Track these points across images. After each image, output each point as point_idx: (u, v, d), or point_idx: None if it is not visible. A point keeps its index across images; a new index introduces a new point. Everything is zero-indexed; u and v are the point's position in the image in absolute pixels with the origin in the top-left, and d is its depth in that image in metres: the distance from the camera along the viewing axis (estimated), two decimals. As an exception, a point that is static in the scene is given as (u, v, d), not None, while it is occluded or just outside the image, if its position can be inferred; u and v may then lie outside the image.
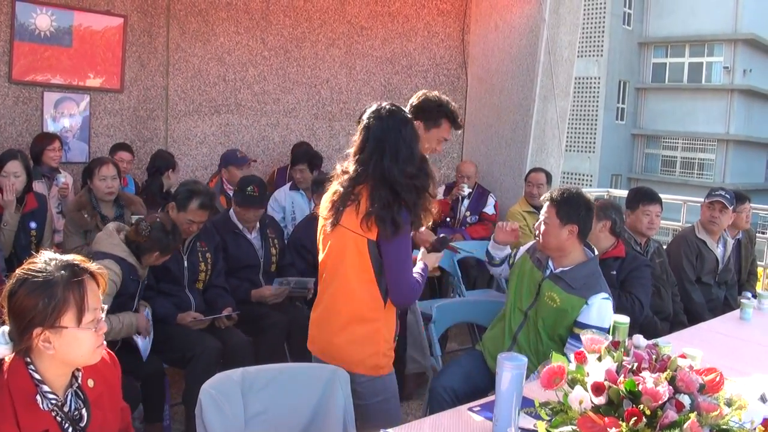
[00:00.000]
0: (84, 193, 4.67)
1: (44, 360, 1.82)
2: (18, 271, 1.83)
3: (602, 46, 27.76)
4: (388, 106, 2.82)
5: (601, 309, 3.12)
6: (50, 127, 5.92)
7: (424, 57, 7.48)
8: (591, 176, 27.39)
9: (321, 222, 2.88)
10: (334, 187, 2.82)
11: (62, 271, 1.81)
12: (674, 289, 4.46)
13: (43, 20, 5.78)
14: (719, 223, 4.77)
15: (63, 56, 5.94)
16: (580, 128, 28.38)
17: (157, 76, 6.40)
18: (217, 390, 2.38)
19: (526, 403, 2.23)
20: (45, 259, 1.84)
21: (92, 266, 1.88)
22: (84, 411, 1.91)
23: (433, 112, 3.45)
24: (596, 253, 3.40)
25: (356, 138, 2.82)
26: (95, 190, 4.60)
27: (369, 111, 2.84)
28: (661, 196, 4.56)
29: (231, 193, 5.60)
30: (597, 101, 28.11)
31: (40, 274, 1.79)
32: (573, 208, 3.26)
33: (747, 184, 26.60)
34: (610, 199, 4.41)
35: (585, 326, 3.05)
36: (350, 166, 2.80)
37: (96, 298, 1.86)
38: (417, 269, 2.87)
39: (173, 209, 3.98)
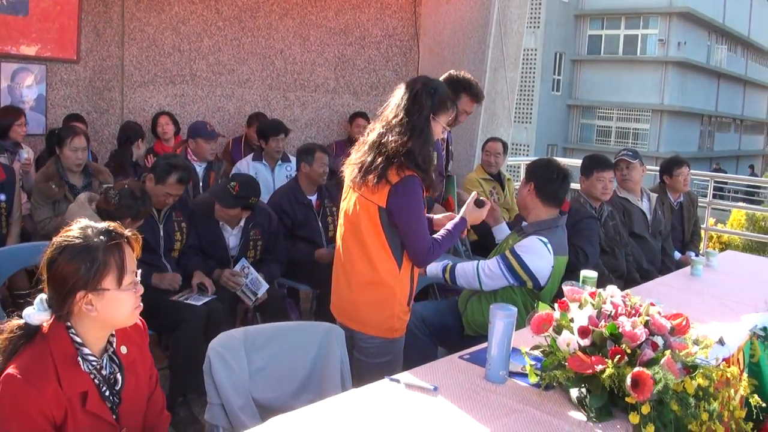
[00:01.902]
0: (51, 163, 4.66)
1: (85, 323, 1.90)
2: (55, 239, 1.89)
3: (539, 17, 28.12)
4: (433, 85, 2.93)
5: (530, 243, 3.42)
6: (6, 98, 5.85)
7: (377, 28, 7.56)
8: (528, 146, 27.85)
9: (345, 186, 3.04)
10: (360, 155, 2.92)
11: (101, 237, 1.88)
12: (627, 249, 4.69)
13: (-2, -12, 5.69)
14: (631, 177, 5.04)
15: (19, 25, 5.84)
16: (517, 99, 28.70)
17: (112, 46, 6.35)
18: (223, 347, 2.50)
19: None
20: (81, 226, 1.91)
21: (127, 231, 1.96)
22: (119, 375, 1.99)
23: (453, 88, 3.82)
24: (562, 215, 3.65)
25: (392, 109, 2.90)
26: (64, 160, 4.59)
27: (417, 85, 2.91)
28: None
29: (197, 164, 5.65)
30: (533, 73, 28.52)
31: (79, 240, 1.86)
32: (531, 168, 3.64)
33: (681, 153, 27.34)
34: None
35: (512, 251, 3.42)
36: (378, 136, 2.88)
37: (133, 261, 1.94)
38: (441, 232, 3.00)
39: (151, 180, 4.02)
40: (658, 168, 5.77)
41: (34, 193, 4.60)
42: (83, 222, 1.94)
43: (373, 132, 2.88)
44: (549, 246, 3.41)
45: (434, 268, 3.59)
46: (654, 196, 5.17)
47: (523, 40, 6.99)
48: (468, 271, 3.50)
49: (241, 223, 4.44)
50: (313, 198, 4.96)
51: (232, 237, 4.47)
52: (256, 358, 2.60)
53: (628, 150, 5.20)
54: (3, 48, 5.80)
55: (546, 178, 3.53)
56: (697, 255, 5.16)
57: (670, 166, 5.49)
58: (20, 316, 1.91)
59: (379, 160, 2.79)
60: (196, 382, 3.67)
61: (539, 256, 3.40)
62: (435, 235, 2.94)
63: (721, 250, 8.00)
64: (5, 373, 1.79)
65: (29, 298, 1.92)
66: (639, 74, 29.83)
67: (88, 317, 1.88)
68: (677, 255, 5.33)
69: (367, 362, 2.93)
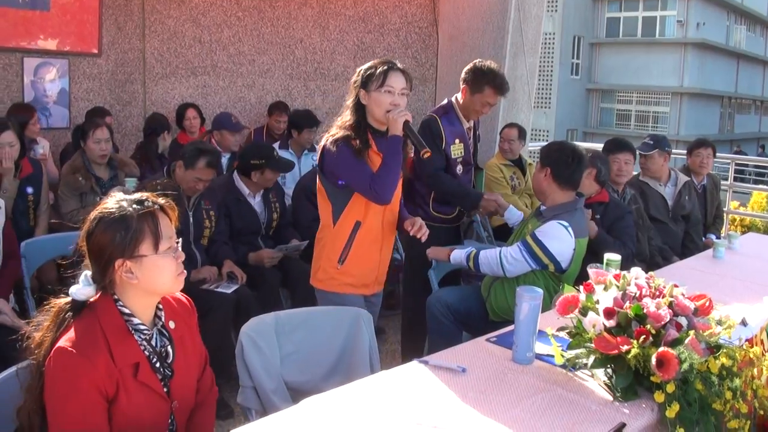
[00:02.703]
0: (78, 156, 4.76)
1: (130, 293, 1.94)
2: (92, 213, 1.94)
3: (557, 1, 27.98)
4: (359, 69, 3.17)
5: (551, 227, 3.45)
6: (30, 93, 5.94)
7: (395, 15, 7.58)
8: (547, 131, 27.76)
9: None
10: None
11: (134, 206, 1.93)
12: (650, 232, 4.70)
13: (20, -17, 5.75)
14: (648, 167, 5.05)
15: (41, 20, 5.94)
16: (536, 84, 28.56)
17: (134, 39, 6.44)
18: (255, 332, 2.56)
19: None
20: (116, 199, 1.96)
21: (161, 200, 2.01)
22: (169, 348, 2.04)
23: (477, 79, 4.09)
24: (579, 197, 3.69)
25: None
26: (89, 153, 4.69)
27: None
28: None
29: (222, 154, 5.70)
30: (552, 57, 28.39)
31: (113, 211, 1.91)
32: (546, 152, 3.63)
33: (701, 136, 27.15)
34: (598, 150, 4.60)
35: (533, 236, 3.45)
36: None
37: (169, 228, 1.98)
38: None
39: (181, 167, 4.09)
40: (681, 152, 5.77)
41: (61, 185, 4.68)
42: (118, 195, 1.99)
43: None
44: (569, 229, 3.43)
45: (458, 255, 3.65)
46: (683, 180, 5.16)
47: (542, 25, 6.98)
48: (491, 258, 3.53)
49: (261, 190, 4.77)
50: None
51: (257, 204, 4.74)
52: (287, 342, 2.66)
53: (649, 138, 5.19)
54: (25, 43, 5.90)
55: (561, 161, 3.54)
56: (718, 237, 5.16)
57: (691, 147, 5.49)
58: (66, 294, 1.95)
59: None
60: (225, 369, 3.77)
61: (560, 240, 3.42)
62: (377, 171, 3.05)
63: (743, 232, 7.96)
64: (56, 347, 1.83)
65: (62, 287, 1.98)
66: (658, 56, 29.62)
67: (131, 286, 1.93)
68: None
69: None
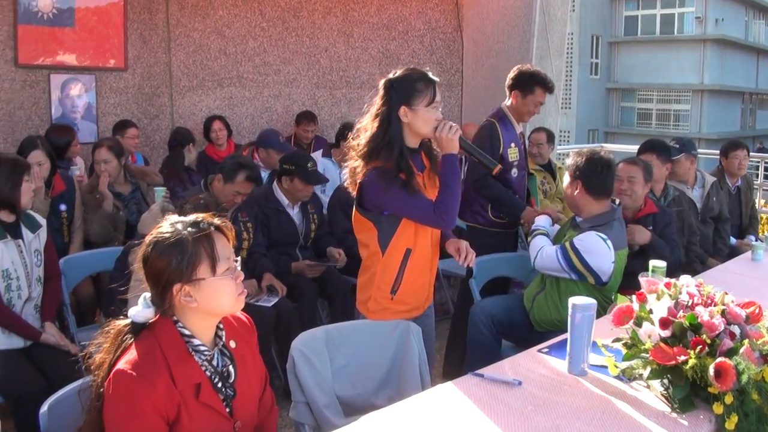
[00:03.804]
0: (94, 176, 4.75)
1: (189, 315, 1.94)
2: (147, 237, 1.94)
3: (574, 1, 27.86)
4: (393, 79, 2.89)
5: (588, 238, 3.42)
6: (58, 109, 5.98)
7: (419, 22, 7.58)
8: (569, 132, 27.62)
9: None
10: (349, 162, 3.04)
11: (189, 228, 1.92)
12: (692, 237, 4.62)
13: (45, 2, 5.80)
14: (677, 171, 4.96)
15: (67, 37, 5.98)
16: (556, 85, 28.47)
17: (159, 53, 6.46)
18: (306, 347, 2.56)
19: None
20: (170, 222, 1.96)
21: (216, 221, 1.99)
22: (231, 368, 2.02)
23: (526, 82, 4.33)
24: (616, 205, 3.69)
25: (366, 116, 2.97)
26: (98, 172, 4.68)
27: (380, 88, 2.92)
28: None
29: (262, 171, 5.70)
30: (571, 57, 28.26)
31: (168, 235, 1.91)
32: (575, 166, 3.60)
33: (723, 133, 27.01)
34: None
35: (572, 244, 3.43)
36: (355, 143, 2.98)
37: (226, 248, 1.97)
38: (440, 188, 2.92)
39: (219, 181, 4.11)
40: (706, 151, 5.70)
41: (84, 204, 4.65)
42: (173, 218, 1.99)
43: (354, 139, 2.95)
44: (609, 242, 3.39)
45: (538, 221, 3.80)
46: (710, 180, 5.11)
47: (567, 27, 6.97)
48: (537, 244, 3.59)
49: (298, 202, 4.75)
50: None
51: (295, 215, 4.73)
52: (338, 356, 2.66)
53: (675, 142, 5.11)
54: (51, 60, 5.94)
55: (592, 172, 3.51)
56: (756, 239, 5.10)
57: (726, 149, 5.44)
58: (125, 316, 1.96)
59: (355, 163, 2.91)
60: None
61: (600, 254, 3.39)
62: (438, 194, 2.89)
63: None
64: (116, 369, 1.83)
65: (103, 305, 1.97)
66: (677, 53, 29.43)
67: (190, 309, 1.92)
68: (733, 240, 5.27)
69: None
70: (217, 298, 1.94)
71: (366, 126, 2.87)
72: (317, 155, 6.09)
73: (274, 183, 4.71)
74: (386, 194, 2.78)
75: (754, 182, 7.18)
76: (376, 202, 2.85)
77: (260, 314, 3.89)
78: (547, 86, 4.41)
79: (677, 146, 5.00)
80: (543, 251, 3.52)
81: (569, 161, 3.72)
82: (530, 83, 4.37)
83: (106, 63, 6.21)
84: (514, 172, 4.44)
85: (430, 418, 2.08)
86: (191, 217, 1.97)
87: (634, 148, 5.70)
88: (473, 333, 3.72)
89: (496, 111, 4.52)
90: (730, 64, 30.20)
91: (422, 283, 3.04)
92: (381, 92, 2.85)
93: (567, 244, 3.44)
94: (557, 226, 3.95)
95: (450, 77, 7.69)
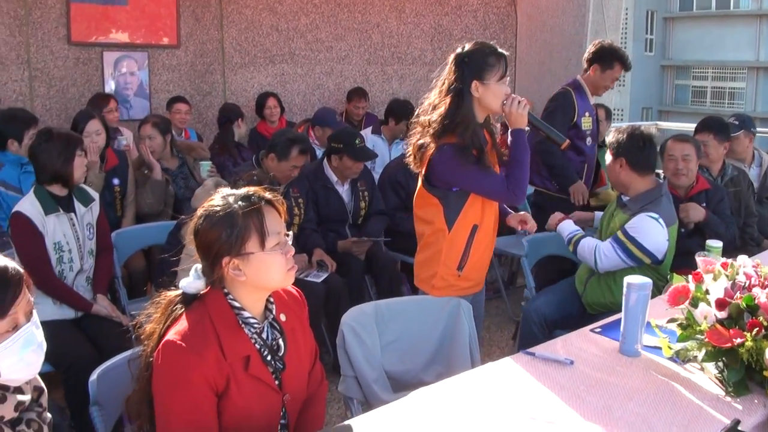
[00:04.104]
0: (140, 154, 4.79)
1: (239, 288, 1.94)
2: (199, 210, 1.95)
3: (629, -25, 27.29)
4: (465, 53, 2.86)
5: (641, 222, 3.33)
6: (110, 86, 6.06)
7: (472, -4, 7.51)
8: (622, 110, 27.13)
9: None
10: (413, 138, 3.02)
11: (240, 202, 1.91)
12: (748, 219, 4.51)
13: (97, -21, 5.86)
14: (735, 149, 4.81)
15: (119, 15, 6.06)
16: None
17: (212, 30, 6.50)
18: (355, 322, 2.57)
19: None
20: (222, 195, 1.96)
21: (268, 195, 1.98)
22: (281, 341, 2.03)
23: (607, 56, 4.62)
24: (662, 180, 3.66)
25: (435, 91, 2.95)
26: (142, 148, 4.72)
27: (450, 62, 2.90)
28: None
29: (317, 148, 5.76)
30: (625, 33, 27.71)
31: (219, 208, 1.91)
32: (616, 143, 3.54)
33: (780, 112, 26.32)
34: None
35: (624, 232, 3.35)
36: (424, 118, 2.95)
37: (276, 223, 1.96)
38: (509, 161, 2.91)
39: (273, 160, 4.13)
40: (762, 129, 5.55)
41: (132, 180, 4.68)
42: (224, 191, 1.98)
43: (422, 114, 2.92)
44: (660, 221, 3.33)
45: (564, 230, 3.60)
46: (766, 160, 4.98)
47: (623, 2, 6.84)
48: (587, 249, 3.45)
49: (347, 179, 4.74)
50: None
51: (344, 193, 4.73)
52: (387, 332, 2.66)
53: (734, 119, 4.97)
54: (104, 38, 6.01)
55: (635, 148, 3.45)
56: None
57: None
58: (176, 287, 1.98)
59: (423, 138, 2.88)
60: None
61: (654, 234, 3.32)
62: (508, 169, 2.88)
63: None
64: (165, 339, 1.85)
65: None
66: (733, 29, 28.60)
67: (239, 282, 1.92)
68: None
69: None
70: (266, 272, 1.94)
71: (435, 102, 2.85)
72: (367, 132, 6.10)
73: (325, 160, 4.71)
74: (460, 171, 2.78)
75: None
76: (446, 179, 2.84)
77: (310, 289, 3.91)
78: (625, 63, 4.65)
79: (736, 123, 4.87)
80: (600, 251, 3.41)
81: (609, 138, 3.66)
82: (611, 58, 4.62)
83: (159, 40, 6.28)
84: (588, 141, 4.67)
85: (480, 396, 2.07)
86: (242, 191, 1.97)
87: (689, 126, 5.59)
88: (525, 330, 3.67)
89: (571, 81, 4.77)
90: (787, 40, 29.34)
91: (486, 258, 3.05)
92: (452, 67, 2.83)
93: (620, 234, 3.36)
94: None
95: (503, 53, 7.60)
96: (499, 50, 2.82)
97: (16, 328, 1.63)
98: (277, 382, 1.98)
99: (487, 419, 1.94)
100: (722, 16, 29.14)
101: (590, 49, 4.75)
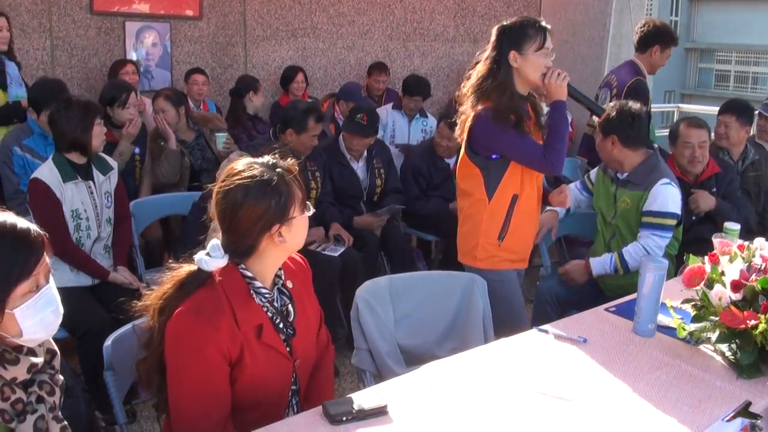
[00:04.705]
0: (155, 127, 4.75)
1: (259, 258, 1.96)
2: (226, 185, 1.92)
3: (656, -45, 26.94)
4: (506, 25, 2.91)
5: (658, 193, 3.36)
6: (132, 56, 6.04)
7: (497, -27, 7.44)
8: (644, 92, 26.88)
9: None
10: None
11: (276, 170, 1.93)
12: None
13: (120, -51, 5.85)
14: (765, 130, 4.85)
15: (142, -15, 6.05)
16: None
17: (234, 2, 6.46)
18: (370, 294, 2.60)
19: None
20: (248, 166, 1.95)
21: (283, 162, 2.01)
22: (290, 306, 2.06)
23: (667, 36, 4.81)
24: (655, 147, 3.67)
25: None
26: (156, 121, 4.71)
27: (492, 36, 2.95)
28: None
29: (342, 123, 5.74)
30: (650, 14, 27.32)
31: (258, 179, 1.90)
32: (605, 122, 3.53)
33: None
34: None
35: (648, 213, 3.38)
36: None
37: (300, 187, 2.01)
38: (547, 132, 2.96)
39: (292, 134, 4.14)
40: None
41: (147, 154, 4.69)
42: (244, 161, 1.98)
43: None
44: (672, 183, 3.39)
45: (601, 265, 3.49)
46: None
47: (648, -19, 6.78)
48: (638, 255, 3.37)
49: (365, 155, 4.75)
50: (452, 161, 5.02)
51: (359, 169, 4.75)
52: (401, 306, 2.69)
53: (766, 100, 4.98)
54: (126, 8, 5.98)
55: (625, 124, 3.46)
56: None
57: None
58: (192, 261, 1.96)
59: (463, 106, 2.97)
60: (332, 331, 3.83)
61: (674, 196, 3.37)
62: (545, 138, 2.92)
63: None
64: (179, 311, 1.86)
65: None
66: (759, 13, 28.21)
67: (275, 249, 1.95)
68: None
69: None
70: (301, 233, 1.99)
71: (476, 71, 2.91)
72: (387, 107, 6.09)
73: (341, 136, 4.73)
74: (499, 134, 2.81)
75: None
76: (486, 144, 2.88)
77: (327, 263, 3.94)
78: (676, 41, 4.93)
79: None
80: (652, 249, 3.35)
81: (601, 119, 3.60)
82: (669, 38, 4.83)
83: (182, 12, 6.24)
84: None
85: (491, 371, 2.09)
86: (266, 159, 1.98)
87: (711, 110, 5.54)
88: (537, 309, 3.68)
89: (635, 67, 4.86)
90: (814, 24, 28.92)
91: (529, 232, 3.08)
92: (492, 38, 2.89)
93: (646, 219, 3.37)
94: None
95: (527, 31, 7.56)
96: (541, 23, 2.87)
97: (37, 288, 1.66)
98: (288, 349, 2.01)
99: (497, 394, 1.96)
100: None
101: (645, 29, 4.83)
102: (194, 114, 5.21)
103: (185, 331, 1.85)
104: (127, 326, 2.25)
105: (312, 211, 2.02)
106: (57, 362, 1.82)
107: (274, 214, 1.90)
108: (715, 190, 4.00)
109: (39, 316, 1.66)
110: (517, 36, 2.82)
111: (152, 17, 6.13)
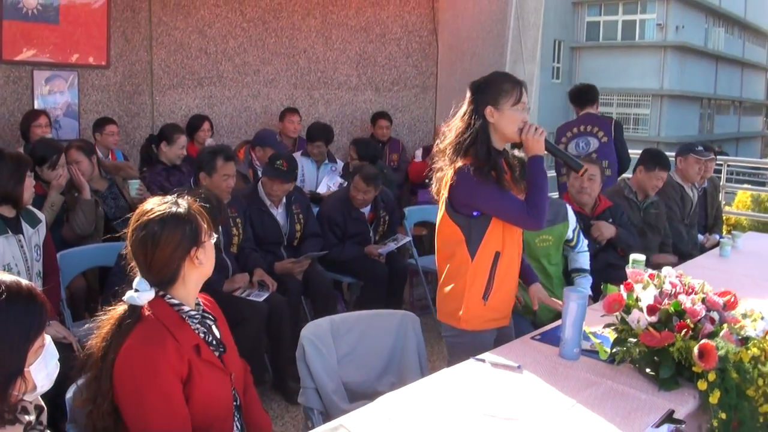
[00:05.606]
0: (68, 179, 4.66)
1: (186, 283, 2.11)
2: (141, 221, 2.05)
3: (539, 6, 28.09)
4: (480, 81, 2.87)
5: (570, 215, 3.86)
6: (40, 105, 5.99)
7: (396, 25, 7.71)
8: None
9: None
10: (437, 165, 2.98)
11: (179, 203, 2.10)
12: (665, 239, 4.90)
13: (30, -2, 5.82)
14: (703, 174, 5.32)
15: (50, 34, 5.99)
16: (528, 89, 28.74)
17: (141, 51, 6.51)
18: (314, 335, 2.71)
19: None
20: (156, 204, 2.10)
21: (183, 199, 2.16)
22: (214, 327, 2.21)
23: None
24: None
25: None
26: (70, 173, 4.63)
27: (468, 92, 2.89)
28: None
29: (259, 169, 5.82)
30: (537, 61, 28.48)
31: (169, 212, 2.06)
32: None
33: (682, 137, 27.47)
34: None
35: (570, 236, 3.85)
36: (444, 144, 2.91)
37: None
38: (528, 189, 2.88)
39: (205, 178, 4.23)
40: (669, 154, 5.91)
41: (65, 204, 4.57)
42: (153, 200, 2.13)
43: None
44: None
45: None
46: (698, 189, 5.46)
47: (540, 32, 7.16)
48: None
49: (284, 201, 4.87)
50: (366, 210, 5.22)
51: (279, 215, 4.84)
52: (343, 345, 2.81)
53: (701, 145, 5.46)
54: (35, 56, 5.95)
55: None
56: (721, 237, 5.34)
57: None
58: (122, 301, 2.07)
59: (440, 163, 2.90)
60: (258, 375, 3.87)
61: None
62: (527, 195, 2.86)
63: (728, 231, 8.18)
64: (125, 345, 1.97)
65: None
66: (638, 59, 29.92)
67: (195, 273, 2.11)
68: (700, 237, 5.50)
69: (451, 351, 2.97)
70: (212, 257, 2.16)
71: (451, 127, 2.86)
72: (297, 155, 6.23)
73: (259, 183, 4.83)
74: (479, 190, 2.76)
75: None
76: (466, 201, 2.81)
77: (253, 308, 3.99)
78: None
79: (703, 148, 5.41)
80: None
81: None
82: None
83: (89, 60, 6.24)
84: None
85: (440, 399, 2.24)
86: (169, 198, 2.13)
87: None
88: None
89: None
90: (689, 69, 30.81)
91: (510, 288, 3.00)
92: (468, 94, 2.85)
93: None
94: None
95: (425, 80, 7.87)
96: (516, 77, 2.85)
97: (43, 344, 1.70)
98: (222, 365, 2.15)
99: (451, 418, 2.11)
100: (628, 46, 30.43)
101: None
102: (105, 163, 5.20)
103: (137, 360, 1.95)
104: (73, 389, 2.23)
105: (215, 237, 2.18)
106: (44, 417, 1.85)
107: (189, 239, 2.06)
108: (611, 220, 4.37)
109: (48, 368, 1.72)
110: (493, 91, 2.77)
111: (60, 66, 6.10)
